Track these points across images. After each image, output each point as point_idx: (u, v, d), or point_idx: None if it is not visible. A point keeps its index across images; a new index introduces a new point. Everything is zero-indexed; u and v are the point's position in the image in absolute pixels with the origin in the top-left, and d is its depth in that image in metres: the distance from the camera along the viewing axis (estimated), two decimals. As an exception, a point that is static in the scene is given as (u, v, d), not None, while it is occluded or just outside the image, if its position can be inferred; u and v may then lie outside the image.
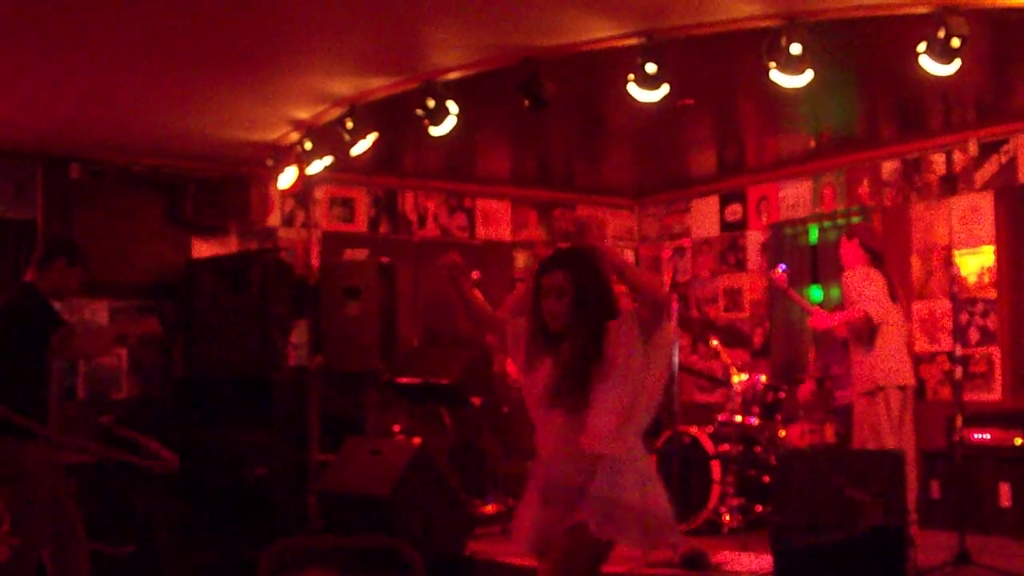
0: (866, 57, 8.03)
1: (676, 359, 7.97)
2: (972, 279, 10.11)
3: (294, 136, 9.87)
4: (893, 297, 8.27)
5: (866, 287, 8.17)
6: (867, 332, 8.18)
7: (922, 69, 6.87)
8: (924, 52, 6.76)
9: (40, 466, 6.68)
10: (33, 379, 6.74)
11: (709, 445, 8.75)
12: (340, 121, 9.00)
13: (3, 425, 6.56)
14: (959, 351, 8.18)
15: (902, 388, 8.12)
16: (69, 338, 6.72)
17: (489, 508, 9.46)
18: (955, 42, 6.64)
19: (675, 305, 8.09)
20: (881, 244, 8.79)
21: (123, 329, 7.29)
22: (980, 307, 10.06)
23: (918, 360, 10.06)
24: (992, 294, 10.02)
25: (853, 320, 8.25)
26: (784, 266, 9.04)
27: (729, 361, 9.56)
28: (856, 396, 8.27)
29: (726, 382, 9.55)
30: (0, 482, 6.69)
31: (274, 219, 11.60)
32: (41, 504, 6.67)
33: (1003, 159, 9.99)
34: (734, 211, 12.56)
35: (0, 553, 6.62)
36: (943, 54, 6.72)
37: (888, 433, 8.01)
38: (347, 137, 8.94)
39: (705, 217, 12.91)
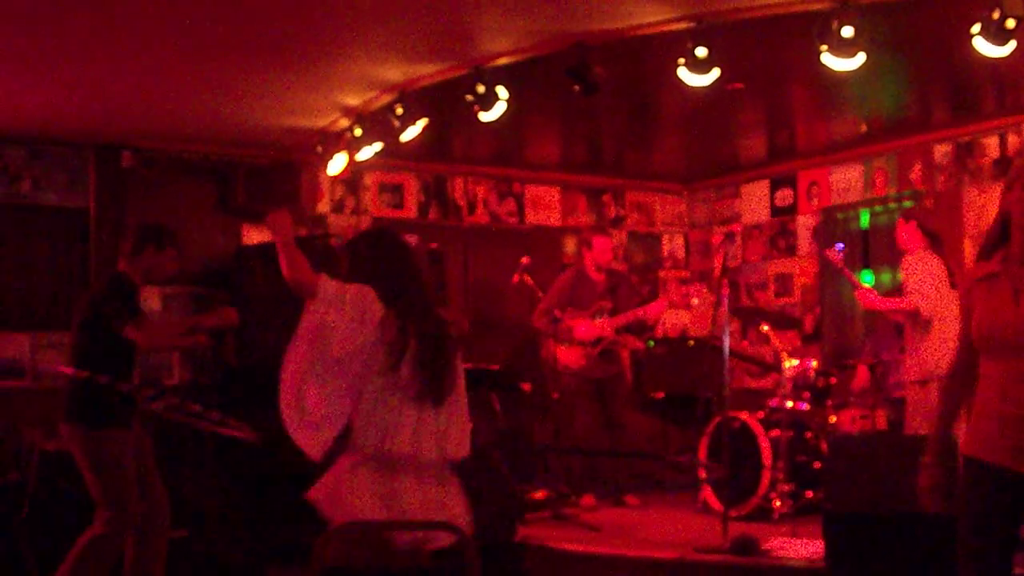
0: (919, 39, 7.96)
1: (727, 345, 7.93)
2: (1026, 263, 10.00)
3: (344, 122, 9.90)
4: (952, 284, 8.17)
5: (925, 277, 8.07)
6: (919, 323, 8.14)
7: (976, 51, 6.80)
8: (978, 34, 6.70)
9: (124, 452, 6.75)
10: (119, 366, 6.80)
11: (760, 431, 8.71)
12: (390, 107, 9.02)
13: (88, 413, 6.68)
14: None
15: None
16: (138, 328, 6.77)
17: (539, 494, 9.45)
18: (1010, 23, 6.57)
19: (726, 291, 8.04)
20: (940, 226, 8.64)
21: (197, 321, 7.30)
22: (1034, 292, 9.95)
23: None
24: (1047, 278, 9.91)
25: (903, 309, 8.22)
26: (842, 245, 8.95)
27: (780, 346, 9.51)
28: (909, 383, 8.21)
29: (777, 367, 9.50)
30: (88, 470, 6.74)
31: (324, 206, 11.65)
32: (127, 490, 6.73)
33: (1057, 142, 9.90)
34: (784, 196, 12.50)
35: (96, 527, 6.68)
36: (998, 35, 6.66)
37: None
38: (397, 123, 8.96)
39: (755, 202, 12.86)
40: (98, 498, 6.73)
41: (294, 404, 4.65)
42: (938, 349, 7.95)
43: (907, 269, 8.20)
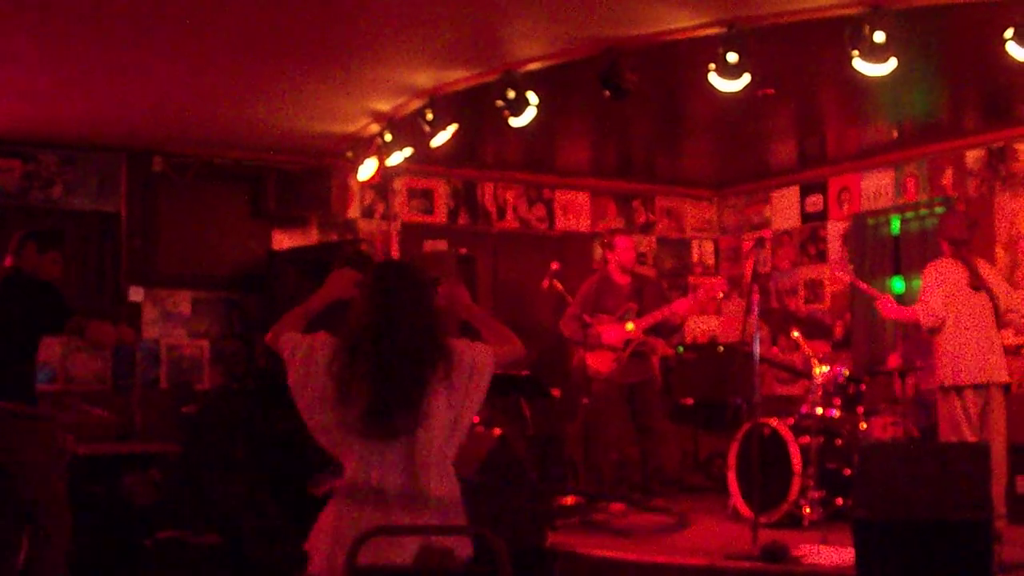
0: (950, 44, 7.93)
1: (757, 351, 7.92)
2: (1058, 270, 9.99)
3: (374, 128, 9.92)
4: (975, 288, 8.15)
5: (931, 286, 8.13)
6: (927, 332, 8.28)
7: (1009, 56, 6.77)
8: (1011, 38, 6.67)
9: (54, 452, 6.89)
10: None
11: (790, 437, 8.68)
12: (420, 113, 9.03)
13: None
14: (1046, 343, 8.09)
15: (979, 388, 8.00)
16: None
17: (568, 500, 9.44)
18: (1043, 28, 6.55)
19: (756, 297, 8.03)
20: (960, 229, 8.59)
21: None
22: (1067, 298, 9.92)
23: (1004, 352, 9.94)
24: (1079, 285, 9.88)
25: (907, 319, 8.47)
26: (845, 260, 8.96)
27: (810, 353, 9.48)
28: (936, 390, 8.22)
29: (807, 374, 9.47)
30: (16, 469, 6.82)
31: (354, 211, 11.67)
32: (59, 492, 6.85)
33: (1090, 148, 9.85)
34: (815, 202, 12.46)
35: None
36: (1031, 41, 6.64)
37: (967, 430, 7.92)
38: (427, 129, 8.97)
39: (785, 208, 12.83)
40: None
41: None
42: (958, 359, 7.98)
43: (921, 278, 8.29)
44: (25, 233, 7.25)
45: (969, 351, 8.02)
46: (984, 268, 8.37)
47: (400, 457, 4.44)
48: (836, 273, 8.90)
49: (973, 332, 8.06)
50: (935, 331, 8.12)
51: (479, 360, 4.59)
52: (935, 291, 8.11)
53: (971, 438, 7.83)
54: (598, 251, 12.75)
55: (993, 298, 8.17)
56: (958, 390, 7.97)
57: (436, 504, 4.51)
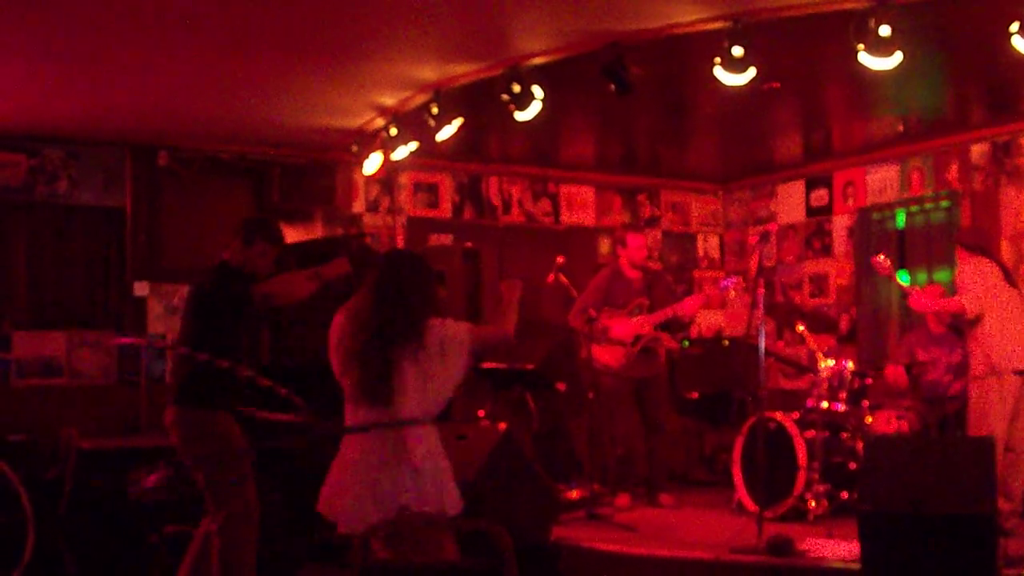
0: (956, 38, 7.91)
1: (762, 345, 7.92)
2: (1064, 264, 9.98)
3: (379, 122, 9.91)
4: (1011, 282, 8.26)
5: (974, 277, 8.17)
6: (964, 323, 8.28)
7: (1014, 49, 6.77)
8: (1017, 32, 6.66)
9: (234, 434, 6.69)
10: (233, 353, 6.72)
11: (795, 431, 8.68)
12: (425, 107, 9.03)
13: (202, 394, 6.64)
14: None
15: (1019, 374, 8.04)
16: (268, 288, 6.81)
17: (574, 494, 9.45)
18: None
19: (761, 291, 8.03)
20: (980, 237, 8.74)
21: (317, 271, 7.22)
22: (1072, 292, 9.91)
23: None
24: (1084, 279, 9.87)
25: (949, 309, 8.47)
26: (884, 255, 8.99)
27: (815, 347, 9.48)
28: (971, 380, 8.23)
29: (812, 368, 9.47)
30: (200, 461, 6.66)
31: (359, 205, 11.67)
32: (242, 475, 6.66)
33: (1096, 142, 9.84)
34: (820, 196, 12.46)
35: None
36: (1037, 34, 6.63)
37: (996, 419, 7.93)
38: (432, 123, 8.97)
39: (791, 202, 12.83)
40: (211, 494, 6.62)
41: None
42: (1001, 344, 8.06)
43: (958, 274, 8.37)
44: (244, 222, 7.09)
45: (1011, 338, 8.08)
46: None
47: (386, 420, 5.29)
48: (874, 263, 8.91)
49: (1012, 323, 8.13)
50: (976, 321, 8.14)
51: (449, 335, 5.41)
52: (976, 282, 8.16)
53: (1000, 426, 7.86)
54: (603, 245, 12.76)
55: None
56: (999, 375, 8.01)
57: (417, 468, 5.29)
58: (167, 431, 6.70)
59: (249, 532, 6.69)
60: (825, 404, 8.96)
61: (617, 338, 9.52)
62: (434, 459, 5.38)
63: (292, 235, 11.12)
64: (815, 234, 12.51)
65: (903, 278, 10.09)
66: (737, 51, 7.23)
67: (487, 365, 9.85)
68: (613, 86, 7.74)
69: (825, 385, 9.05)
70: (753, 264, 10.98)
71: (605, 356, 9.59)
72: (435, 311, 5.48)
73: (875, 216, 11.73)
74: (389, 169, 10.75)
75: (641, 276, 9.84)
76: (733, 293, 9.70)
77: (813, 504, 8.53)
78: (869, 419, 8.99)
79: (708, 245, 13.67)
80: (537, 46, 7.96)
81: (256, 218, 7.72)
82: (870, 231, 11.72)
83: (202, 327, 6.73)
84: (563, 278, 9.61)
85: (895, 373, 9.43)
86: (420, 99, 9.13)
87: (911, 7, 6.82)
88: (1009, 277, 8.30)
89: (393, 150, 9.78)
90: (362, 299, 5.46)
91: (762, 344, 7.89)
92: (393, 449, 5.28)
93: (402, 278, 5.43)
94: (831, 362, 9.13)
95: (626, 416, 9.67)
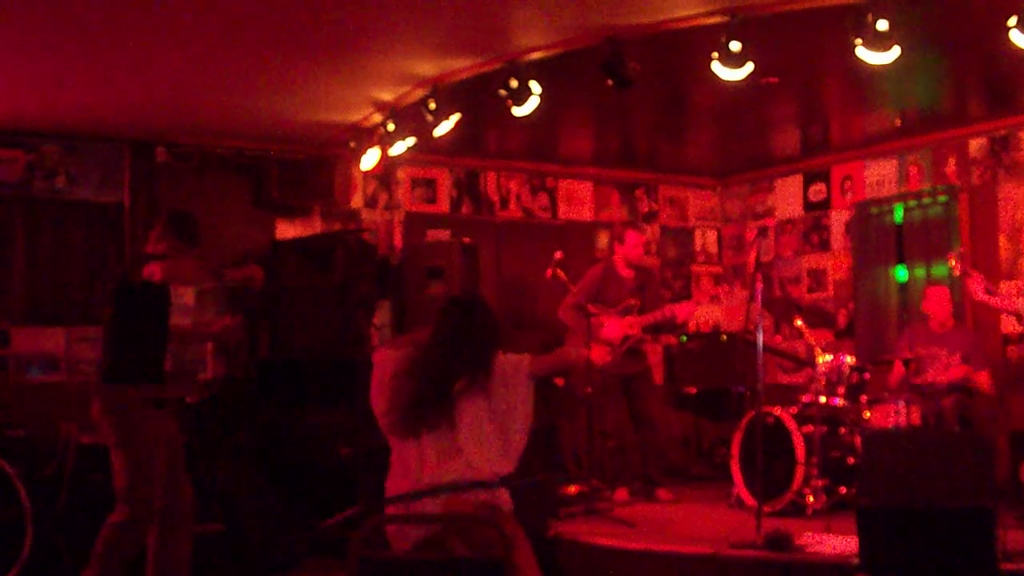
0: (954, 32, 7.91)
1: (760, 340, 7.91)
2: (1061, 258, 10.00)
3: (377, 117, 9.91)
4: None
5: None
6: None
7: (1012, 43, 6.76)
8: (1015, 26, 6.66)
9: (163, 435, 6.81)
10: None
11: (793, 426, 8.68)
12: (423, 102, 9.03)
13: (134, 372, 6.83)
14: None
15: None
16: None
17: (572, 489, 9.45)
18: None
19: (759, 285, 8.02)
20: None
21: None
22: (1070, 286, 9.94)
23: (1006, 341, 9.96)
24: (1083, 273, 9.90)
25: (1002, 308, 8.95)
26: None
27: (813, 342, 9.48)
28: None
29: (810, 363, 9.47)
30: (121, 445, 6.81)
31: (357, 200, 11.67)
32: (156, 473, 6.78)
33: (1094, 136, 9.84)
34: (818, 190, 12.46)
35: None
36: (1034, 28, 6.63)
37: None
38: (430, 118, 8.97)
39: (789, 196, 12.83)
40: (121, 484, 6.81)
41: None
42: None
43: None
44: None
45: None
46: None
47: (434, 449, 5.64)
48: (951, 258, 8.92)
49: None
50: None
51: (510, 369, 5.85)
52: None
53: None
54: (601, 240, 12.76)
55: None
56: None
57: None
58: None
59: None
60: (823, 399, 8.96)
61: (606, 338, 9.49)
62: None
63: (290, 231, 11.13)
64: (813, 228, 12.51)
65: (900, 273, 10.12)
66: (735, 46, 7.23)
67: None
68: (611, 81, 7.74)
69: (823, 380, 9.06)
70: (751, 259, 10.97)
71: (592, 354, 9.58)
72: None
73: (873, 210, 11.72)
74: (387, 164, 10.74)
75: (634, 275, 9.83)
76: (724, 302, 9.74)
77: (811, 499, 8.53)
78: (867, 414, 8.98)
79: (706, 240, 13.67)
80: (535, 41, 7.96)
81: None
82: (868, 225, 11.71)
83: None
84: (561, 273, 9.59)
85: (895, 369, 9.46)
86: (418, 94, 9.13)
87: (908, 1, 6.82)
88: None
89: (391, 145, 9.78)
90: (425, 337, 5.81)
91: (760, 339, 7.88)
92: None
93: (464, 321, 5.79)
94: (829, 357, 9.14)
95: (614, 410, 9.69)
